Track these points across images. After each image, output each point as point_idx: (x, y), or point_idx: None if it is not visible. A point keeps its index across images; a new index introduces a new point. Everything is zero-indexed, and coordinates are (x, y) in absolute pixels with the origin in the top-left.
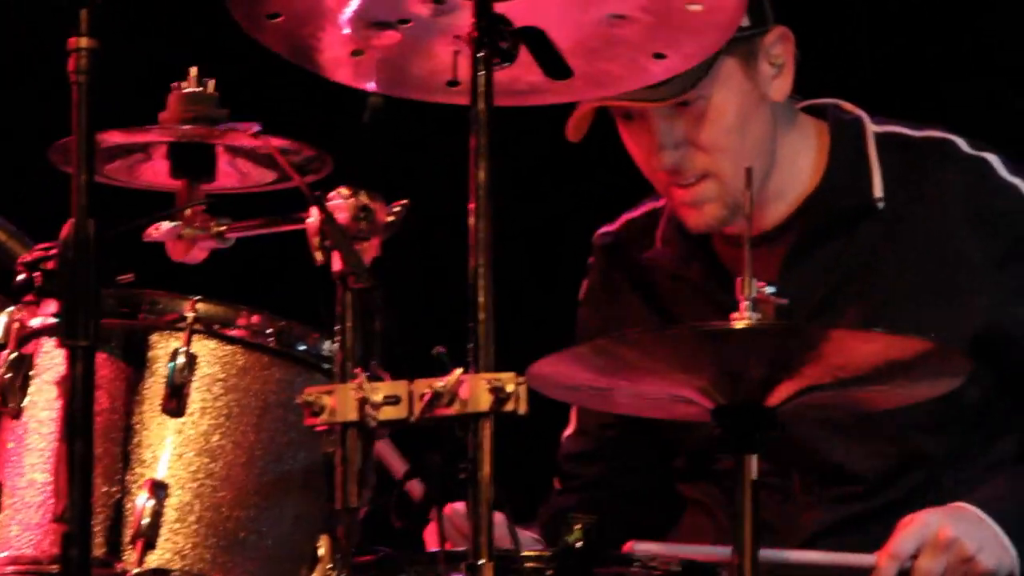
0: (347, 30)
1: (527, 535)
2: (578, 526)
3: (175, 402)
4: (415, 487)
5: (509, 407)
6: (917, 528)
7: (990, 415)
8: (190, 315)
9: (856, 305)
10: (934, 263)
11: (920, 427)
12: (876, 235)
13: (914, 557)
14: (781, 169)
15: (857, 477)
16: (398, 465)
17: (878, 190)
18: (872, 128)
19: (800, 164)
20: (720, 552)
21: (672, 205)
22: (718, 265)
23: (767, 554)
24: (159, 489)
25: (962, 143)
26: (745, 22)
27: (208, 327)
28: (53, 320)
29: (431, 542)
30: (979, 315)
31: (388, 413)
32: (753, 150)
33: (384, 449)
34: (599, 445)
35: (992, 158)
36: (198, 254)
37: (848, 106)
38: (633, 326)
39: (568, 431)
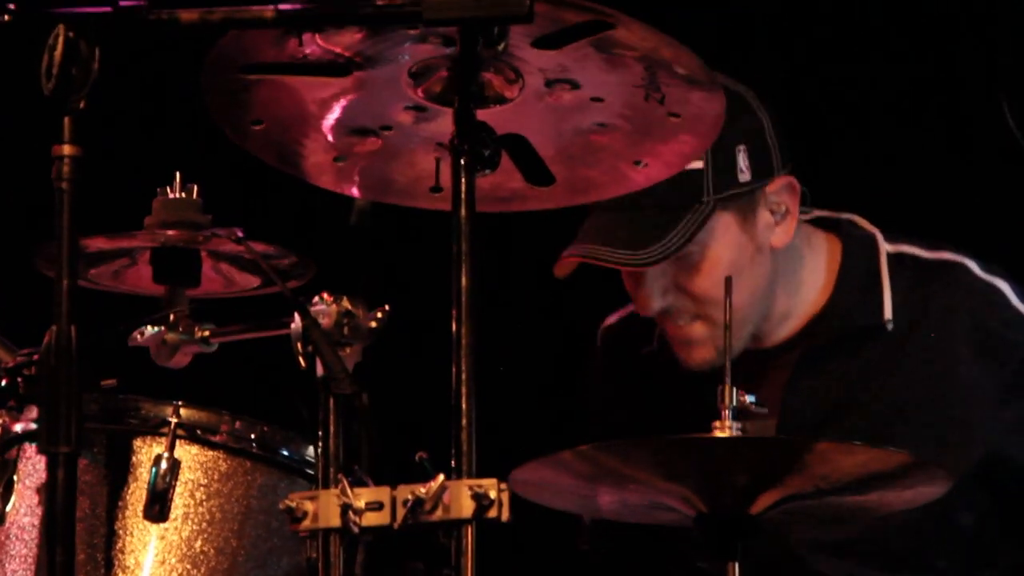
0: (329, 137)
1: None
2: None
3: (157, 508)
4: None
5: (492, 513)
6: None
7: (980, 541)
8: (173, 420)
9: (859, 427)
10: (940, 388)
11: (911, 549)
12: (883, 356)
13: None
14: (788, 289)
15: None
16: None
17: (888, 311)
18: (885, 247)
19: (809, 282)
20: None
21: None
22: (711, 373)
23: None
24: None
25: (974, 266)
26: (746, 177)
27: (191, 432)
28: (35, 426)
29: None
30: (983, 444)
31: (371, 519)
32: (745, 300)
33: None
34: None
35: (1004, 285)
36: (182, 359)
37: (863, 222)
38: (631, 418)
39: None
